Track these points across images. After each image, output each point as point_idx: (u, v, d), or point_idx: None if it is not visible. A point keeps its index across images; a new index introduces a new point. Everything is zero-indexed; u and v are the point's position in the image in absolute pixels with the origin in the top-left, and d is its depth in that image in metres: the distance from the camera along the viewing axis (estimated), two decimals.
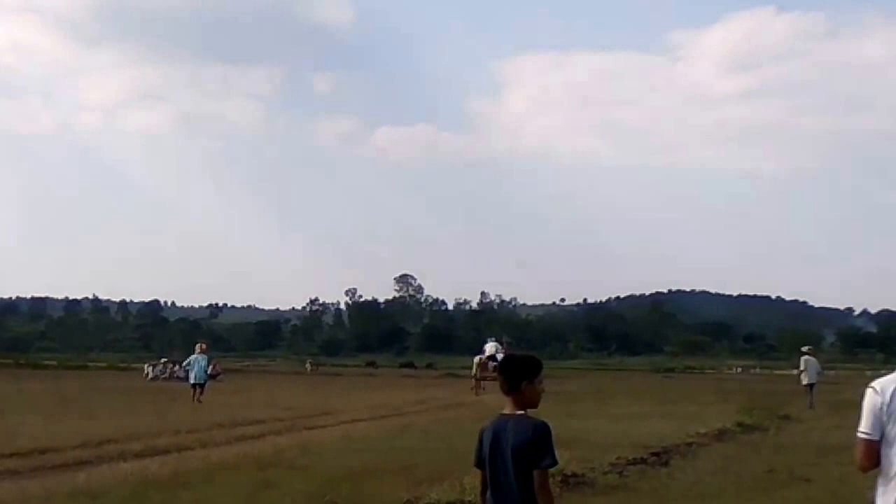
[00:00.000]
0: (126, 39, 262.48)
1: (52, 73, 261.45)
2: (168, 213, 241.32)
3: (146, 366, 48.27)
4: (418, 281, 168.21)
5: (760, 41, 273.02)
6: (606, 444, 14.97)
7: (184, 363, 28.19)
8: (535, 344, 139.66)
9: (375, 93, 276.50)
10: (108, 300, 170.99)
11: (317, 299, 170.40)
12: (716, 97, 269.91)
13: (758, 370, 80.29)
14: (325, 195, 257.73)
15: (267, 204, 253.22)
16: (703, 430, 17.34)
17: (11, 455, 13.02)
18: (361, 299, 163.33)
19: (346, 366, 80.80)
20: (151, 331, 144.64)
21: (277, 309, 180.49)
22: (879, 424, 4.09)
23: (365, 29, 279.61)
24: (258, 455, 13.52)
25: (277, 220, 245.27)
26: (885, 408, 4.06)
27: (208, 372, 26.97)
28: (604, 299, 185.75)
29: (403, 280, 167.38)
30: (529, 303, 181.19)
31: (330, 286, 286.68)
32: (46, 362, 64.33)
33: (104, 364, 68.20)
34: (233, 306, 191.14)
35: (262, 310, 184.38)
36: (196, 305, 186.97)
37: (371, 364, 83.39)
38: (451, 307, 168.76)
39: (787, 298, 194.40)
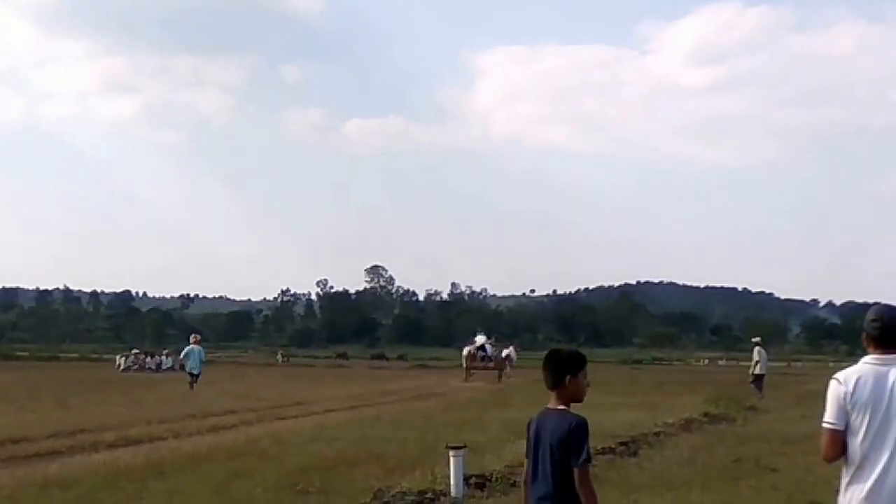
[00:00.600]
0: (96, 29, 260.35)
1: (22, 62, 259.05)
2: (139, 204, 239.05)
3: (118, 357, 47.96)
4: (389, 272, 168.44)
5: (729, 34, 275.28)
6: None
7: (181, 354, 29.31)
8: (505, 335, 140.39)
9: (346, 84, 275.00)
10: (80, 290, 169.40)
11: (288, 290, 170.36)
12: (684, 89, 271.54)
13: (724, 361, 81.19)
14: (295, 186, 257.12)
15: (238, 194, 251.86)
16: (670, 421, 17.54)
17: None
18: (332, 290, 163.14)
19: (317, 357, 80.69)
20: (123, 321, 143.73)
21: (249, 300, 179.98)
22: (844, 414, 4.17)
23: (335, 19, 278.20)
24: (230, 445, 13.58)
25: (248, 211, 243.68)
26: (848, 398, 4.15)
27: (203, 361, 27.79)
28: (573, 290, 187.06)
29: (374, 271, 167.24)
30: (499, 294, 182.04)
31: (301, 277, 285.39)
32: (18, 353, 63.78)
33: (76, 355, 67.96)
34: (204, 297, 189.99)
35: (234, 300, 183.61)
36: (167, 296, 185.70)
37: (342, 355, 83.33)
38: (421, 298, 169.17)
39: (754, 290, 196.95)
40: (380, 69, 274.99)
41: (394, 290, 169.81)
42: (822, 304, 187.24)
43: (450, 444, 9.70)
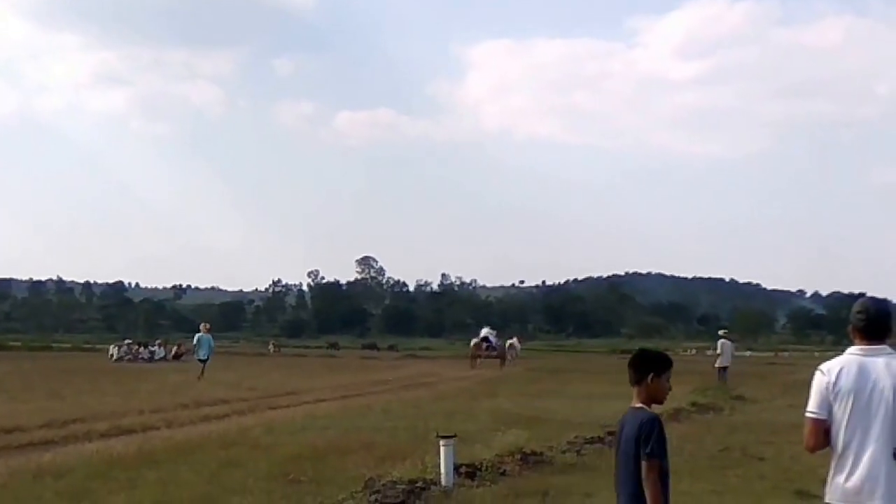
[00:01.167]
0: (89, 22, 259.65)
1: (16, 55, 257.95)
2: (132, 195, 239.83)
3: (111, 347, 47.86)
4: (380, 263, 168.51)
5: (716, 27, 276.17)
6: (565, 423, 15.29)
7: (193, 342, 30.50)
8: (495, 325, 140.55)
9: (337, 76, 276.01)
10: (73, 281, 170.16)
11: (279, 281, 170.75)
12: (672, 82, 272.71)
13: (712, 351, 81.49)
14: (287, 178, 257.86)
15: (230, 186, 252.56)
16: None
17: None
18: (323, 281, 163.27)
19: (308, 347, 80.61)
20: (115, 312, 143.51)
21: (241, 290, 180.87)
22: (827, 405, 4.25)
23: (326, 13, 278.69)
24: (222, 434, 13.64)
25: (240, 203, 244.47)
26: (831, 388, 4.23)
27: (211, 349, 29.19)
28: (562, 281, 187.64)
29: (365, 262, 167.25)
30: (489, 284, 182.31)
31: (292, 268, 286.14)
32: (11, 343, 63.48)
33: (68, 345, 67.70)
34: (196, 287, 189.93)
35: (226, 291, 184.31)
36: (160, 286, 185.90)
37: (333, 345, 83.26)
38: (412, 289, 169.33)
39: (741, 281, 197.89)
40: (370, 62, 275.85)
41: (384, 281, 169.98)
42: (808, 294, 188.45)
43: (440, 434, 9.78)
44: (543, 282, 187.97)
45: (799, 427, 4.39)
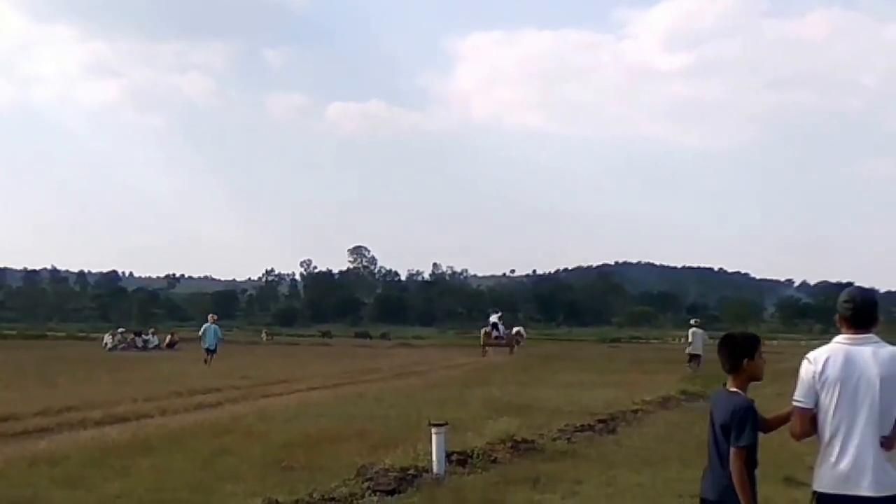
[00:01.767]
0: (81, 14, 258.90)
1: (7, 46, 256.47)
2: (125, 186, 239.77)
3: (105, 335, 47.81)
4: (371, 252, 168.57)
5: (704, 19, 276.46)
6: (555, 411, 15.39)
7: (200, 331, 31.12)
8: (486, 314, 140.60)
9: (328, 68, 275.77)
10: (67, 270, 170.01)
11: (272, 270, 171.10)
12: (660, 73, 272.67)
13: (683, 340, 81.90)
14: (279, 168, 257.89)
15: (222, 176, 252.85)
16: (648, 398, 17.79)
17: None
18: (316, 270, 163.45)
19: (300, 335, 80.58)
20: (109, 301, 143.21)
21: (234, 279, 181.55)
22: (813, 393, 4.30)
23: (318, 4, 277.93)
24: (216, 422, 13.74)
25: (233, 193, 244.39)
26: (817, 377, 4.28)
27: (218, 338, 30.01)
28: (552, 270, 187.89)
29: (357, 251, 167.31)
30: (480, 273, 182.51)
31: (285, 257, 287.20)
32: (5, 332, 63.31)
33: (63, 333, 67.61)
34: (190, 277, 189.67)
35: (219, 280, 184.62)
36: (153, 276, 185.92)
37: (326, 334, 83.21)
38: (403, 278, 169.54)
39: (730, 270, 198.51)
40: (362, 54, 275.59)
41: (376, 271, 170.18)
42: (796, 283, 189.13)
43: (432, 422, 9.84)
44: (534, 271, 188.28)
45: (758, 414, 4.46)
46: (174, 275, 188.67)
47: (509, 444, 11.16)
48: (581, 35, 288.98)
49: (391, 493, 8.55)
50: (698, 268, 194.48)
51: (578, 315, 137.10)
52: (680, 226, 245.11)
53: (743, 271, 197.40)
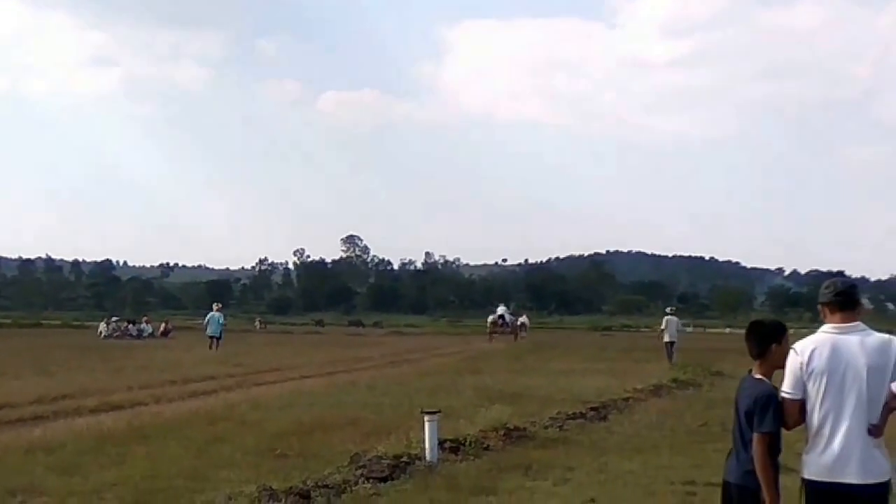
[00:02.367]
0: (77, 4, 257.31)
1: (4, 34, 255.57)
2: (119, 175, 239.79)
3: (100, 324, 47.81)
4: (364, 241, 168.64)
5: (695, 8, 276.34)
6: (547, 399, 15.48)
7: (204, 320, 32.47)
8: (478, 303, 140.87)
9: (321, 57, 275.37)
10: (61, 259, 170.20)
11: (266, 259, 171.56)
12: (652, 63, 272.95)
13: (691, 329, 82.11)
14: (273, 157, 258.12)
15: (216, 166, 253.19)
16: (639, 386, 17.86)
17: None
18: (309, 259, 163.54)
19: (294, 324, 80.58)
20: (104, 290, 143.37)
21: (227, 268, 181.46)
22: (801, 384, 4.34)
23: None
24: (210, 410, 13.78)
25: (227, 182, 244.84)
26: (804, 367, 4.32)
27: (222, 326, 31.47)
28: (544, 259, 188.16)
29: (350, 240, 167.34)
30: (472, 263, 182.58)
31: (278, 246, 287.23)
32: (1, 321, 63.15)
33: (58, 322, 67.53)
34: (184, 266, 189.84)
35: (213, 269, 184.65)
36: (148, 265, 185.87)
37: (319, 322, 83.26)
38: (396, 267, 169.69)
39: (720, 259, 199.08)
40: (355, 43, 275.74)
41: (369, 260, 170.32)
42: (786, 272, 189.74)
43: (424, 410, 9.90)
44: (526, 260, 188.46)
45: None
46: (168, 264, 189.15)
47: (501, 432, 11.23)
48: (574, 24, 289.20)
49: (384, 480, 8.60)
50: (689, 256, 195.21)
51: (570, 304, 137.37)
52: (671, 215, 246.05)
53: (734, 260, 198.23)
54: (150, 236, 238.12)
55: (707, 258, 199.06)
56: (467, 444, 10.36)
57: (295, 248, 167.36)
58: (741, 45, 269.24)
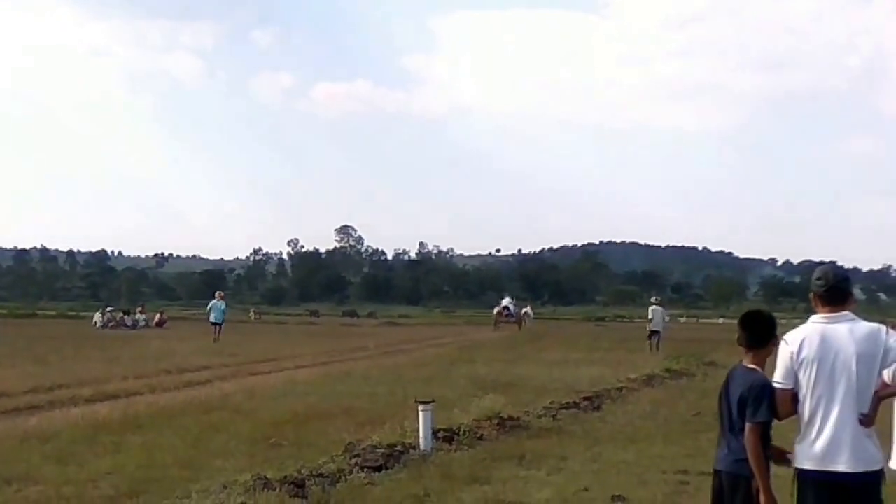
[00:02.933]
0: None
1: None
2: (114, 165, 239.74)
3: (96, 314, 47.79)
4: (358, 232, 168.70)
5: (691, 0, 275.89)
6: (541, 389, 15.53)
7: (207, 308, 33.53)
8: (472, 293, 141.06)
9: (314, 48, 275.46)
10: (57, 250, 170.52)
11: (260, 249, 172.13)
12: (646, 54, 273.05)
13: (685, 319, 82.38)
14: (267, 148, 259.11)
15: (210, 156, 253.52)
16: (633, 376, 17.93)
17: None
18: (303, 250, 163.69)
19: (288, 314, 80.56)
20: (99, 280, 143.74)
21: (222, 259, 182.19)
22: (792, 374, 4.37)
23: None
24: (205, 400, 13.81)
25: (221, 173, 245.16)
26: (795, 357, 4.35)
27: (224, 313, 32.40)
28: (537, 250, 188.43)
29: (344, 231, 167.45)
30: (466, 253, 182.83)
31: (272, 237, 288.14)
32: None
33: (53, 312, 67.43)
34: (178, 256, 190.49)
35: (207, 259, 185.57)
36: (142, 255, 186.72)
37: (313, 313, 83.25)
38: (390, 257, 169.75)
39: (713, 249, 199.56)
40: (348, 34, 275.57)
41: (363, 250, 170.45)
42: (779, 263, 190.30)
43: (418, 399, 9.92)
44: (519, 250, 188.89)
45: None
46: (163, 254, 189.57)
47: (495, 422, 11.27)
48: (567, 15, 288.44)
49: (378, 469, 8.62)
50: (682, 247, 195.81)
51: (563, 294, 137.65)
52: (664, 206, 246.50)
53: (727, 251, 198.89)
54: (144, 227, 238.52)
55: (700, 249, 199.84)
56: (461, 433, 10.39)
57: (289, 239, 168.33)
58: (735, 37, 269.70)
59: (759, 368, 4.55)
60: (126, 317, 46.90)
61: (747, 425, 4.40)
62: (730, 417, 4.54)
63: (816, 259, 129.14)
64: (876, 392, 4.38)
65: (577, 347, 28.81)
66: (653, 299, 30.60)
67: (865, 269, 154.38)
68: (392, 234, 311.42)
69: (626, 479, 8.51)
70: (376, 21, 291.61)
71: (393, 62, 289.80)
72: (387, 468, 8.71)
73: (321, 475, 8.18)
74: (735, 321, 4.98)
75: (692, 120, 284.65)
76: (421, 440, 9.57)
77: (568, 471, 8.89)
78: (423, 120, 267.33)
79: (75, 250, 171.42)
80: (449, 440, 10.10)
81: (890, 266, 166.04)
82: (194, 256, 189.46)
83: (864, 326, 4.39)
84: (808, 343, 4.35)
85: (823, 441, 4.29)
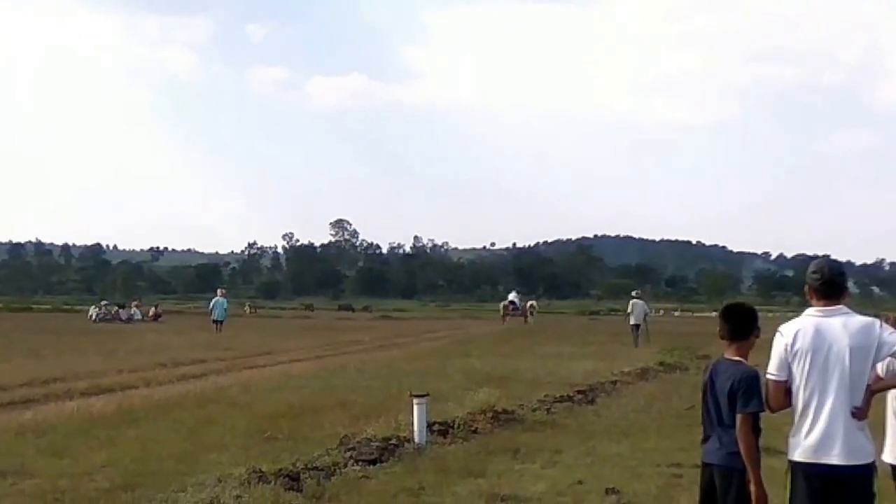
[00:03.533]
0: None
1: None
2: (109, 159, 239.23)
3: (91, 308, 47.74)
4: (353, 226, 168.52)
5: None
6: (535, 382, 15.55)
7: (210, 305, 34.57)
8: (467, 287, 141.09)
9: (309, 42, 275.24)
10: (52, 243, 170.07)
11: (255, 243, 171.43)
12: (642, 47, 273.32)
13: (679, 313, 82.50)
14: (261, 142, 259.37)
15: (205, 150, 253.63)
16: (627, 370, 17.94)
17: None
18: (298, 243, 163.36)
19: (283, 308, 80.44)
20: (94, 273, 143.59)
21: (216, 252, 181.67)
22: (786, 366, 4.40)
23: None
24: (200, 393, 13.83)
25: (216, 167, 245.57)
26: (789, 349, 4.38)
27: (227, 311, 33.79)
28: (532, 244, 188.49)
29: (339, 225, 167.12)
30: (461, 247, 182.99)
31: (267, 231, 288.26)
32: None
33: (48, 306, 67.36)
34: (173, 250, 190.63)
35: (202, 253, 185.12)
36: (137, 249, 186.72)
37: (308, 307, 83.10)
38: (385, 251, 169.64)
39: (707, 243, 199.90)
40: (343, 28, 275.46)
41: (358, 244, 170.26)
42: (773, 256, 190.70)
43: (413, 393, 9.94)
44: (514, 244, 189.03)
45: (763, 386, 4.54)
46: (158, 248, 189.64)
47: (490, 415, 11.28)
48: (562, 8, 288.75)
49: (373, 462, 8.63)
50: (676, 241, 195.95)
51: (558, 288, 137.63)
52: (658, 199, 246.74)
53: (720, 244, 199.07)
54: (139, 220, 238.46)
55: (694, 242, 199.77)
56: (456, 426, 10.40)
57: (284, 232, 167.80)
58: (730, 30, 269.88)
59: (743, 360, 4.58)
60: (121, 310, 46.89)
61: (739, 416, 4.42)
62: (718, 411, 4.56)
63: (810, 253, 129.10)
64: (869, 385, 4.40)
65: (572, 341, 28.85)
66: (633, 293, 30.64)
67: (859, 262, 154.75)
68: (387, 228, 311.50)
69: (620, 472, 8.54)
70: (371, 14, 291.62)
71: (388, 56, 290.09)
72: (381, 461, 8.72)
73: (316, 468, 8.19)
74: None
75: (687, 114, 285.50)
76: (415, 433, 9.59)
77: (562, 464, 8.91)
78: (417, 113, 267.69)
79: (70, 244, 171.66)
80: (443, 433, 10.12)
81: (883, 260, 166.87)
82: (189, 250, 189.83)
83: (859, 320, 4.41)
84: (802, 335, 4.38)
85: (816, 433, 4.32)
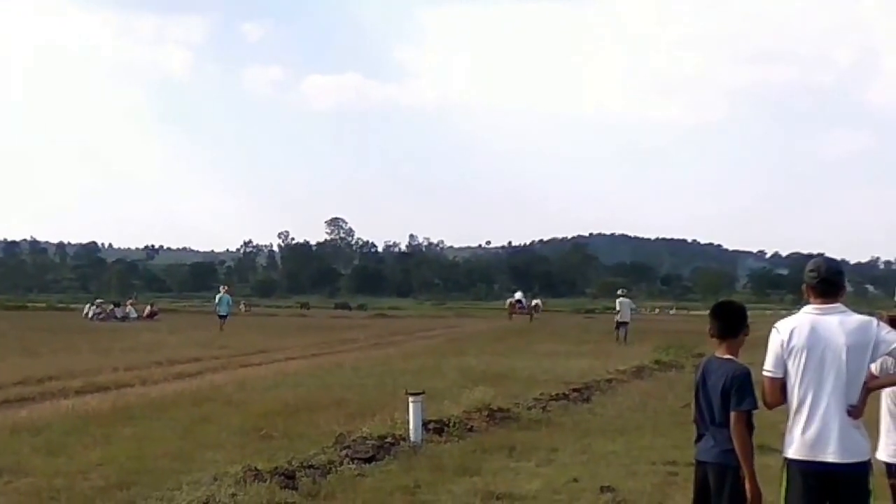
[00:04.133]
0: None
1: None
2: (104, 158, 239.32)
3: (86, 306, 47.66)
4: (349, 224, 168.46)
5: None
6: (531, 380, 15.57)
7: (216, 301, 35.05)
8: (462, 285, 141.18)
9: (305, 41, 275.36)
10: (47, 242, 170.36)
11: (250, 241, 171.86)
12: (635, 48, 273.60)
13: (674, 311, 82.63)
14: (257, 141, 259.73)
15: (201, 149, 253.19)
16: (622, 368, 17.99)
17: None
18: (294, 242, 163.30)
19: (279, 306, 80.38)
20: (89, 272, 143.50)
21: (212, 251, 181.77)
22: (782, 362, 4.40)
23: None
24: (195, 391, 13.83)
25: (212, 165, 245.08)
26: (785, 346, 4.38)
27: (230, 306, 34.31)
28: (527, 242, 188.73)
29: (334, 223, 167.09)
30: (456, 245, 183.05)
31: (263, 229, 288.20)
32: None
33: (43, 304, 67.30)
34: (168, 248, 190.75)
35: (197, 251, 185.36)
36: (132, 247, 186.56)
37: (304, 305, 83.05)
38: (380, 249, 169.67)
39: (702, 241, 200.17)
40: (338, 27, 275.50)
41: (353, 242, 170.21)
42: (768, 255, 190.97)
43: (409, 391, 9.95)
44: (509, 242, 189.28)
45: (758, 384, 4.51)
46: (153, 246, 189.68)
47: (485, 413, 11.29)
48: (558, 7, 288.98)
49: (368, 460, 8.63)
50: (671, 239, 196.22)
51: (553, 286, 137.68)
52: (653, 198, 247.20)
53: (716, 243, 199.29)
54: (134, 219, 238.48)
55: (689, 241, 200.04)
56: (451, 425, 10.41)
57: (279, 231, 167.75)
58: (724, 31, 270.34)
59: (734, 358, 4.59)
60: (116, 309, 46.83)
61: (733, 413, 4.43)
62: (711, 409, 4.56)
63: (805, 251, 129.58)
64: (865, 383, 4.41)
65: (567, 339, 28.89)
66: (619, 291, 31.95)
67: (853, 261, 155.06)
68: (382, 227, 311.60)
69: (616, 470, 8.55)
70: (367, 14, 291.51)
71: (383, 55, 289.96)
72: (377, 460, 8.72)
73: (311, 466, 8.19)
74: None
75: (682, 113, 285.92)
76: (411, 432, 9.58)
77: (558, 462, 8.92)
78: (413, 112, 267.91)
79: (65, 242, 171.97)
80: (439, 432, 10.12)
81: (878, 258, 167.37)
82: (184, 248, 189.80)
83: (856, 318, 4.41)
84: (798, 332, 4.38)
85: (812, 431, 4.32)
